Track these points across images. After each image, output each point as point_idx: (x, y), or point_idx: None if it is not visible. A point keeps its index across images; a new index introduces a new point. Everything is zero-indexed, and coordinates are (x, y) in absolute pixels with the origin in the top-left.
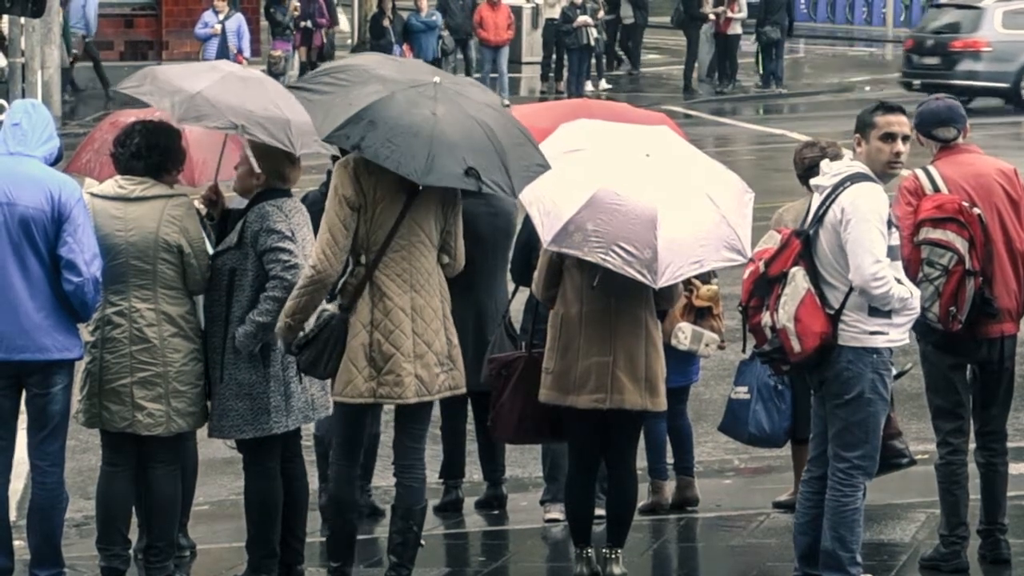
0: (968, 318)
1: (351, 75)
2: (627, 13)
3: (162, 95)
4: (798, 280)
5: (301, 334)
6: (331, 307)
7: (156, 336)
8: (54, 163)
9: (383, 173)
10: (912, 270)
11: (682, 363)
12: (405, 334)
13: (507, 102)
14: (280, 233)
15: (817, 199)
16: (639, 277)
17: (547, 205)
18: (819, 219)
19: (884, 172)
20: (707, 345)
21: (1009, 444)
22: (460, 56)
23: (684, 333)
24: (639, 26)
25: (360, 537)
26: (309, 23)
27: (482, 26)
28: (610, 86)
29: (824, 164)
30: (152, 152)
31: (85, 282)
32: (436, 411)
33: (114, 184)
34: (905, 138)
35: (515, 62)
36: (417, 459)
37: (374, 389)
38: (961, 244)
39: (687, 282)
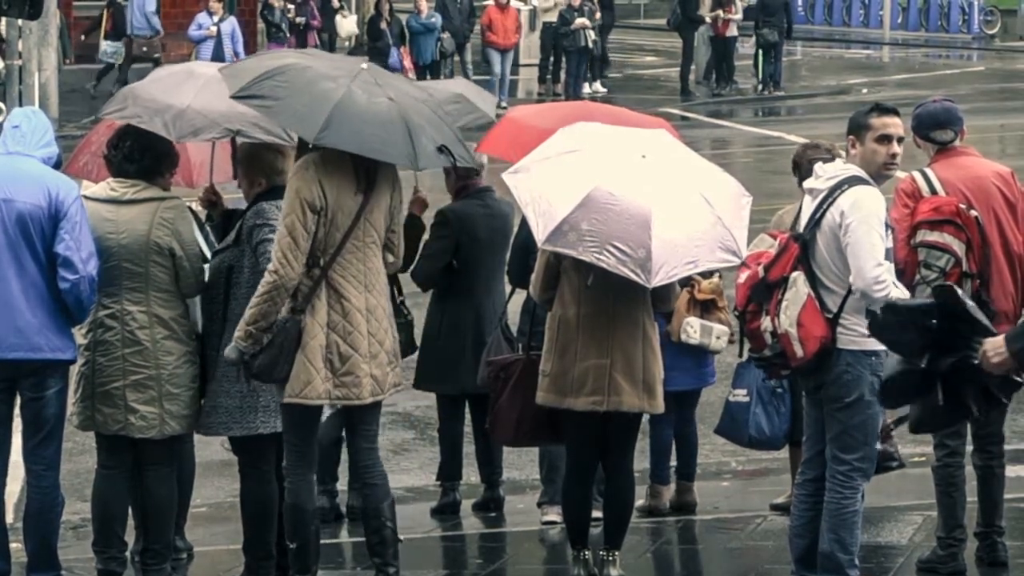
0: None
1: (293, 76)
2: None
3: (151, 115)
4: (799, 285)
5: (252, 340)
6: (283, 310)
7: (148, 339)
8: (54, 168)
9: (342, 174)
10: (909, 273)
11: (697, 365)
12: (362, 335)
13: (504, 104)
14: (273, 226)
15: (810, 202)
16: (633, 277)
17: (543, 205)
18: (816, 223)
19: (879, 174)
20: (718, 338)
21: (1006, 446)
22: (457, 59)
23: (692, 327)
24: (607, 26)
25: (358, 540)
26: (302, 21)
27: (491, 28)
28: (604, 89)
29: (818, 167)
30: (145, 155)
31: (81, 280)
32: (433, 413)
33: (106, 187)
34: (900, 139)
35: (513, 64)
36: (376, 458)
37: (330, 391)
38: (958, 246)
39: (688, 278)
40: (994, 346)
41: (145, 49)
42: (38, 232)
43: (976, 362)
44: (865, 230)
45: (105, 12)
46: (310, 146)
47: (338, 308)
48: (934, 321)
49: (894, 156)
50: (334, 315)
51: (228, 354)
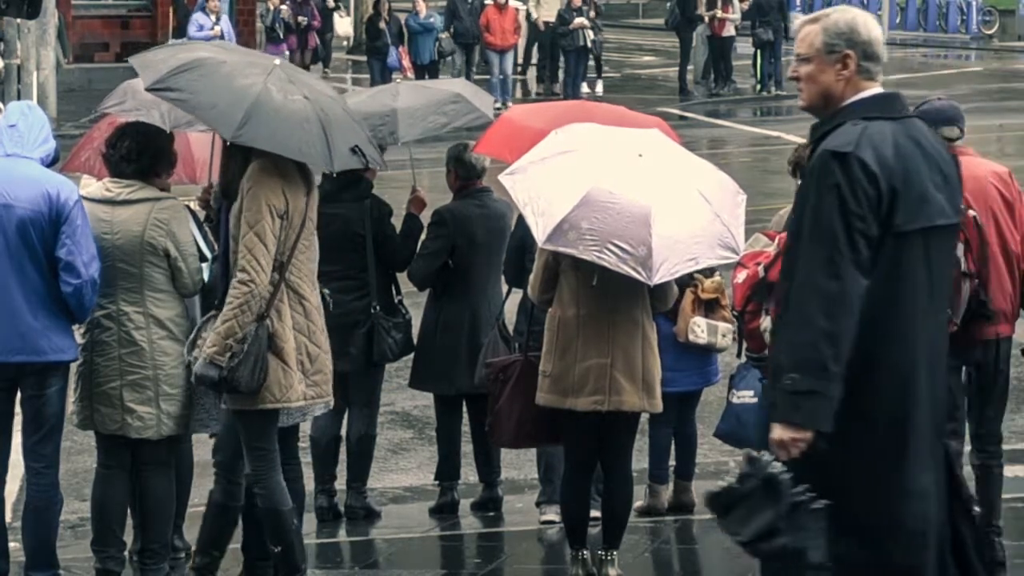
0: (964, 320)
1: (209, 71)
2: None
3: (149, 108)
4: None
5: (230, 354)
6: None
7: (144, 339)
8: (51, 165)
9: (292, 175)
10: None
11: (702, 364)
12: (322, 331)
13: (498, 105)
14: None
15: None
16: (634, 274)
17: (541, 205)
18: None
19: None
20: (724, 336)
21: (1004, 446)
22: (464, 59)
23: (700, 327)
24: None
25: (356, 539)
26: (303, 20)
27: (488, 29)
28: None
29: None
30: (142, 155)
31: (84, 284)
32: (431, 413)
33: (102, 187)
34: None
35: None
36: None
37: (304, 391)
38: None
39: (690, 277)
40: (782, 433)
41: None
42: (39, 236)
43: (780, 472)
44: None
45: (171, 13)
46: (226, 143)
47: (299, 309)
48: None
49: None
50: (297, 316)
51: (204, 371)
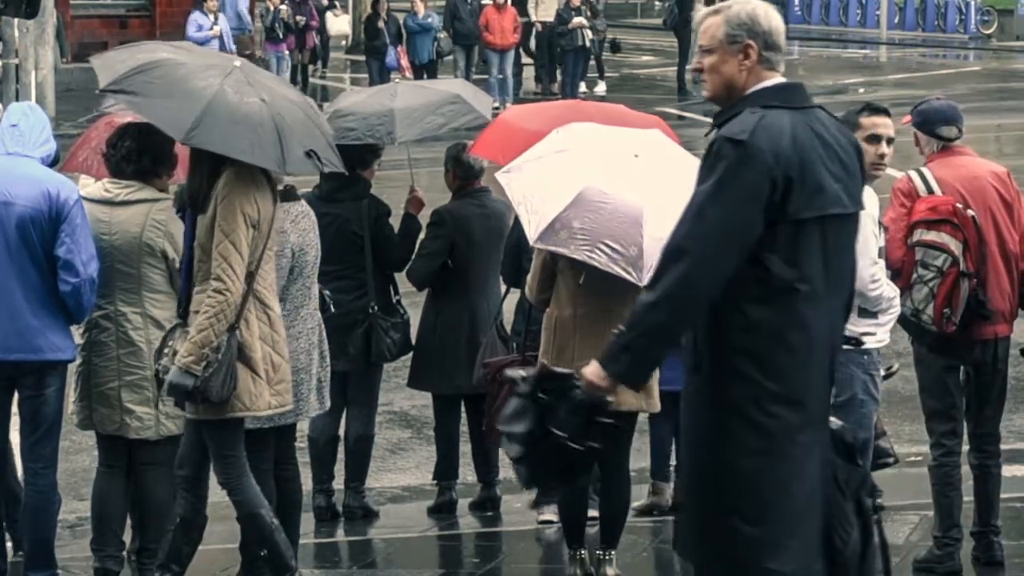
0: (962, 320)
1: (165, 72)
2: None
3: None
4: None
5: (205, 363)
6: None
7: (143, 340)
8: (51, 166)
9: (262, 184)
10: (906, 272)
11: None
12: (284, 340)
13: (496, 105)
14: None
15: None
16: (624, 275)
17: (535, 204)
18: None
19: (867, 174)
20: None
21: (1002, 446)
22: (464, 60)
23: None
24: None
25: (354, 539)
26: (301, 20)
27: (488, 29)
28: (601, 92)
29: None
30: (143, 156)
31: (82, 283)
32: (429, 412)
33: (101, 187)
34: (890, 140)
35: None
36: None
37: (270, 401)
38: (955, 246)
39: None
40: (595, 373)
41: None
42: (38, 235)
43: (580, 396)
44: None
45: None
46: (178, 141)
47: (264, 319)
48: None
49: (882, 156)
50: (263, 326)
51: (180, 380)
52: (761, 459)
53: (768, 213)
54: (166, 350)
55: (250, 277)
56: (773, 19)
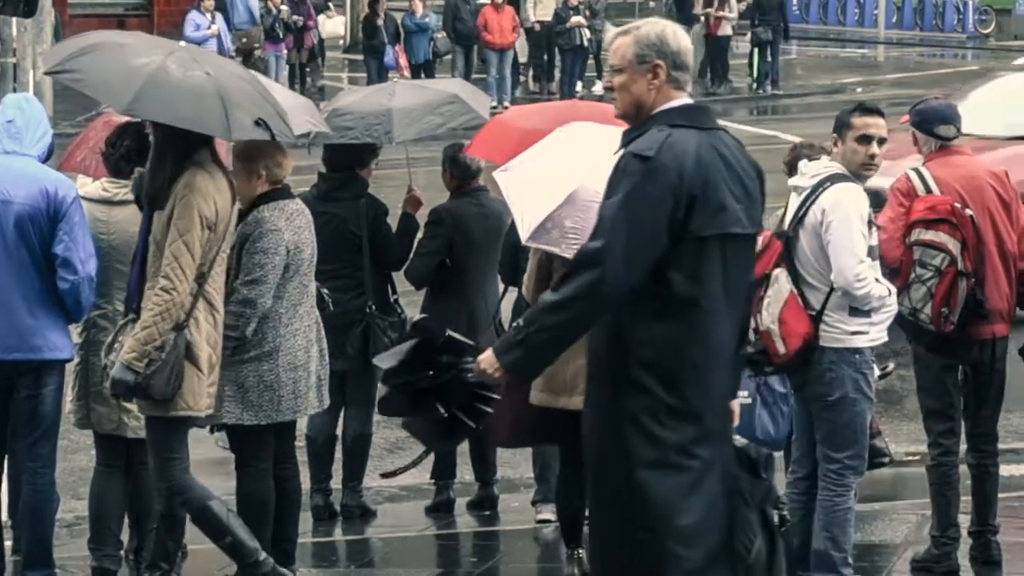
0: (960, 319)
1: (107, 51)
2: None
3: None
4: (781, 282)
5: (147, 361)
6: None
7: None
8: (47, 158)
9: (223, 187)
10: (904, 271)
11: None
12: (222, 343)
13: (494, 104)
14: (266, 243)
15: (795, 199)
16: None
17: (529, 203)
18: (799, 220)
19: (858, 174)
20: None
21: (1000, 445)
22: (464, 60)
23: None
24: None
25: (351, 538)
26: (298, 20)
27: (487, 28)
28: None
29: (802, 165)
30: (142, 155)
31: (80, 281)
32: None
33: (99, 187)
34: (881, 141)
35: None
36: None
37: (209, 402)
38: (953, 245)
39: None
40: (488, 361)
41: (244, 40)
42: (37, 233)
43: (471, 378)
44: (846, 227)
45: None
46: (120, 111)
47: (211, 320)
48: (431, 367)
49: (873, 157)
50: (208, 327)
51: (121, 376)
52: (656, 471)
53: (672, 230)
54: (116, 344)
55: (201, 278)
56: (682, 40)
